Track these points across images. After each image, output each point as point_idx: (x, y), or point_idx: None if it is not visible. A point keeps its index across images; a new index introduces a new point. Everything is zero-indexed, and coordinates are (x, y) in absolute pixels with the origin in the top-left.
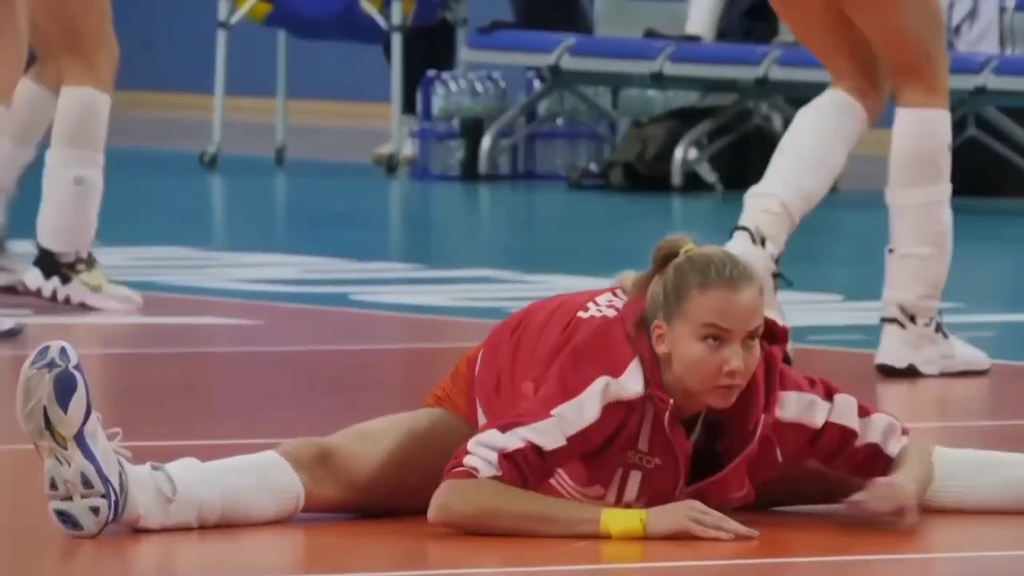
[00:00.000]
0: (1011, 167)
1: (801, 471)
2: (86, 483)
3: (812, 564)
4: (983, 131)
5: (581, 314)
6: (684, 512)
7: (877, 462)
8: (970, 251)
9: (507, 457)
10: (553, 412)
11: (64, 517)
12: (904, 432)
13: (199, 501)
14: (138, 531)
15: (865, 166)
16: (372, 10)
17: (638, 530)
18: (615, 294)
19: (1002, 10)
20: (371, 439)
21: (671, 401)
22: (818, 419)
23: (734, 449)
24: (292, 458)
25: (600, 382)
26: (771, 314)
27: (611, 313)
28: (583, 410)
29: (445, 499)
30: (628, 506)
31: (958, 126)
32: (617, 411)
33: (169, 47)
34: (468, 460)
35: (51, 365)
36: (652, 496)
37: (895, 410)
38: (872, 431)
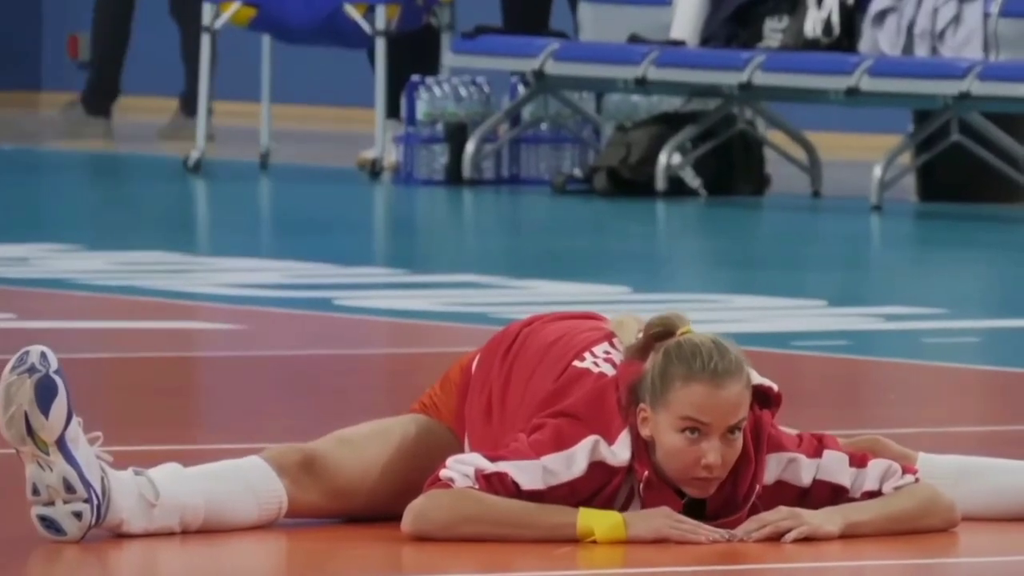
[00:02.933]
0: (995, 173)
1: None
2: (68, 488)
3: (795, 570)
4: (967, 137)
5: (577, 363)
6: (662, 519)
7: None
8: (954, 257)
9: (484, 476)
10: (541, 458)
11: (47, 522)
12: (908, 472)
13: (182, 505)
14: (121, 536)
15: (847, 172)
16: (356, 15)
17: (620, 528)
18: (612, 344)
19: (986, 16)
20: (355, 445)
21: (647, 473)
22: (803, 478)
23: (721, 512)
24: (275, 463)
25: (590, 440)
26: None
27: (607, 369)
28: (571, 464)
29: (422, 507)
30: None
31: (941, 132)
32: (602, 471)
33: (153, 52)
34: (444, 473)
35: (31, 370)
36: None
37: (880, 415)
38: (868, 480)
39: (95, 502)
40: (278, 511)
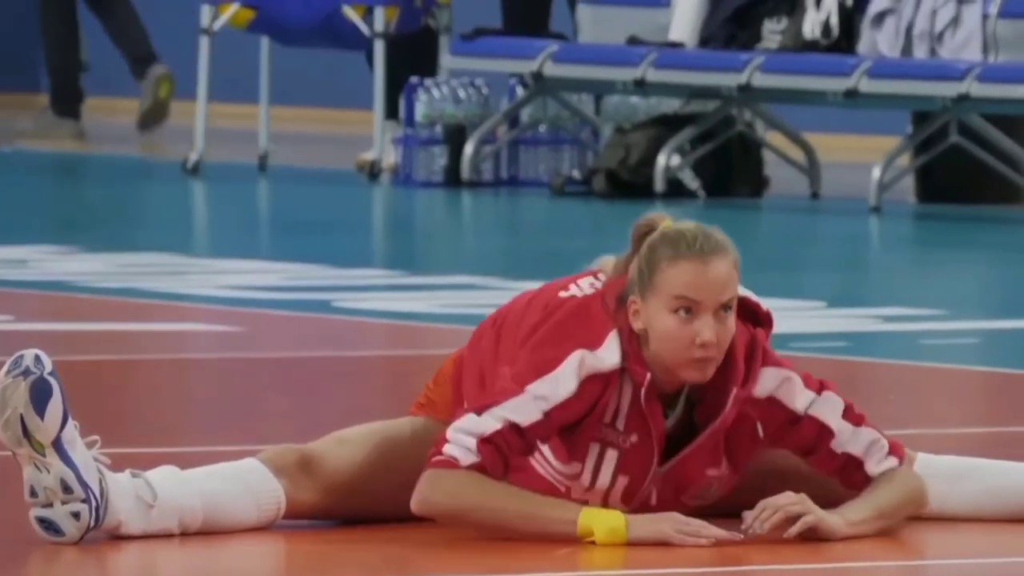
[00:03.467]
0: (994, 174)
1: (787, 474)
2: (66, 489)
3: (793, 571)
4: (966, 138)
5: (562, 294)
6: (666, 522)
7: (855, 475)
8: (953, 258)
9: (486, 441)
10: (527, 388)
11: (45, 524)
12: (894, 453)
13: (180, 507)
14: (119, 538)
15: (846, 174)
16: (355, 17)
17: (621, 529)
18: (596, 277)
19: (985, 17)
20: (352, 445)
21: (648, 375)
22: (797, 402)
23: (710, 419)
24: (272, 464)
25: (576, 356)
26: (753, 295)
27: (591, 292)
28: (558, 385)
29: (426, 492)
30: (605, 501)
31: (940, 133)
32: (595, 384)
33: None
34: (447, 449)
35: (26, 373)
36: (627, 476)
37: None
38: (855, 442)
39: (93, 503)
40: (276, 512)
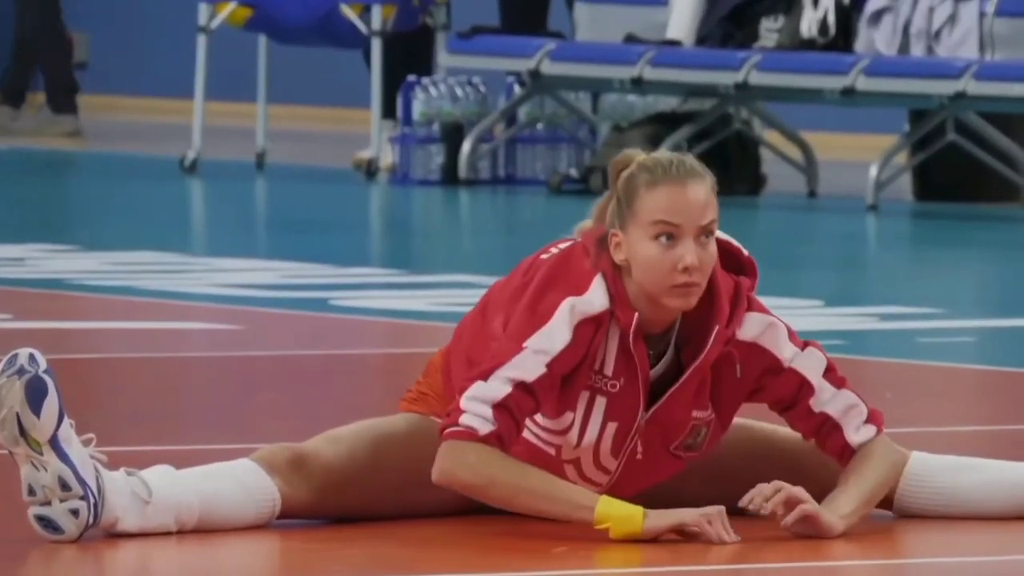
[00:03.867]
0: (991, 172)
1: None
2: (64, 486)
3: (789, 569)
4: (963, 136)
5: (543, 256)
6: (684, 512)
7: (833, 437)
8: (950, 257)
9: (500, 407)
10: (526, 344)
11: (44, 522)
12: (872, 420)
13: (177, 503)
14: (116, 535)
15: (843, 172)
16: (352, 15)
17: (637, 517)
18: (575, 240)
19: (982, 15)
20: (344, 443)
21: (635, 315)
22: (781, 350)
23: (694, 359)
24: (266, 463)
25: (565, 304)
26: (733, 241)
27: (571, 245)
28: (554, 336)
29: (448, 463)
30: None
31: (937, 131)
32: (587, 328)
33: (149, 52)
34: (464, 419)
35: (21, 372)
36: (615, 422)
37: None
38: (834, 403)
39: (91, 500)
40: (272, 510)
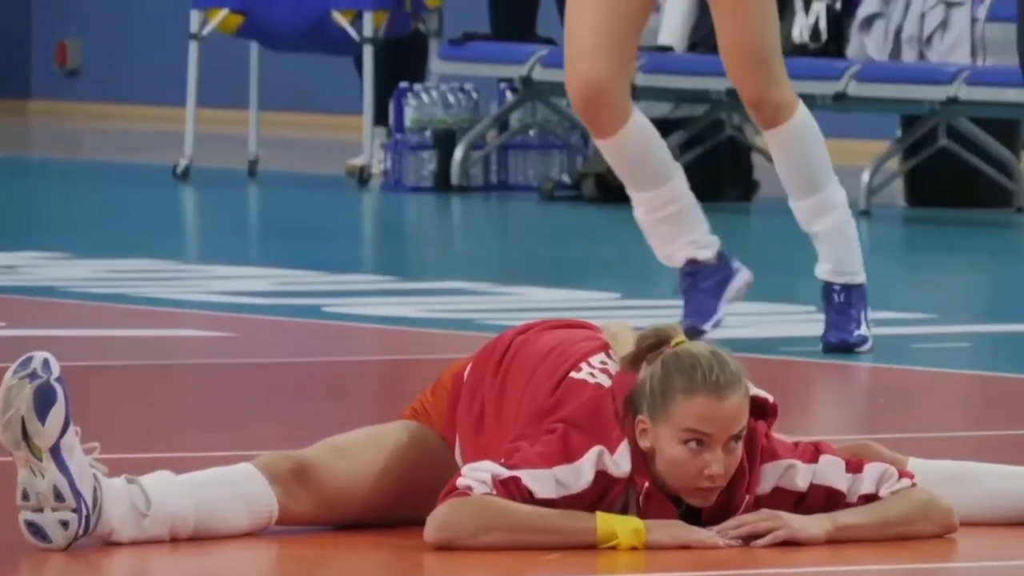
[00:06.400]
0: (983, 178)
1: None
2: (58, 496)
3: (792, 574)
4: (955, 142)
5: (574, 375)
6: (679, 527)
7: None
8: (942, 262)
9: (501, 482)
10: (552, 469)
11: (34, 529)
12: (904, 476)
13: (173, 515)
14: (110, 544)
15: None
16: (344, 22)
17: (642, 531)
18: (608, 355)
19: (973, 20)
20: (347, 453)
21: (647, 484)
22: (800, 483)
23: (717, 523)
24: (267, 471)
25: (596, 450)
26: (761, 392)
27: (604, 380)
28: (580, 476)
29: (444, 517)
30: None
31: (929, 137)
32: (603, 480)
33: (141, 59)
34: (461, 481)
35: (33, 376)
36: None
37: (870, 420)
38: (865, 484)
39: (83, 512)
40: (268, 519)
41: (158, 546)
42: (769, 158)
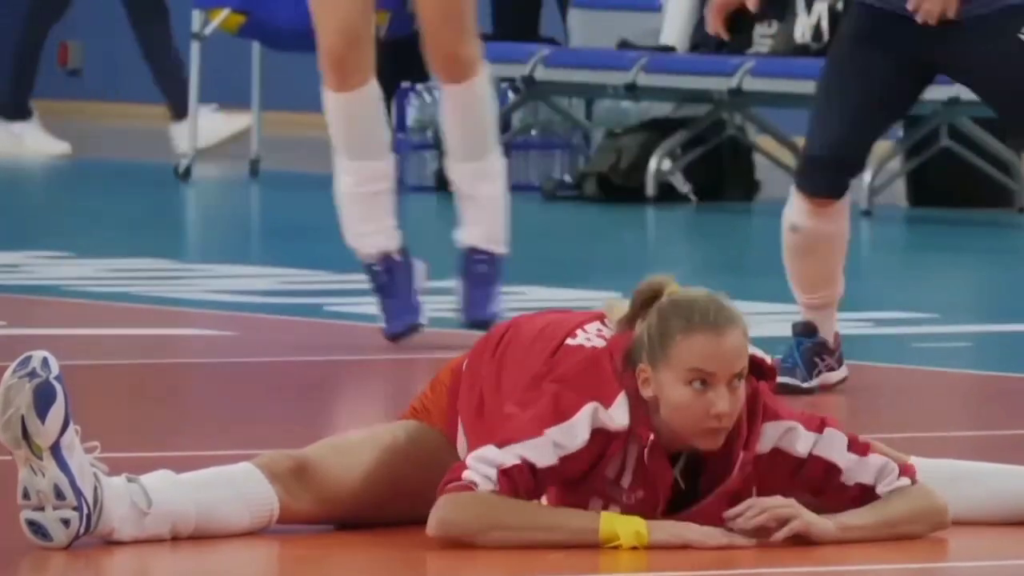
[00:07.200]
0: (985, 178)
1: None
2: (59, 495)
3: (785, 574)
4: (957, 142)
5: (569, 341)
6: (684, 527)
7: (865, 496)
8: (944, 262)
9: (505, 473)
10: (546, 432)
11: (35, 527)
12: (905, 474)
13: (173, 514)
14: (111, 543)
15: None
16: None
17: (644, 532)
18: (603, 323)
19: None
20: (347, 452)
21: (651, 436)
22: (799, 448)
23: (714, 485)
24: (268, 470)
25: (590, 407)
26: (759, 351)
27: (600, 343)
28: (575, 434)
29: (445, 513)
30: None
31: (931, 137)
32: (601, 438)
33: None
34: (467, 474)
35: (32, 375)
36: None
37: (871, 419)
38: (865, 471)
39: (84, 511)
40: (269, 518)
41: (159, 545)
42: (771, 158)
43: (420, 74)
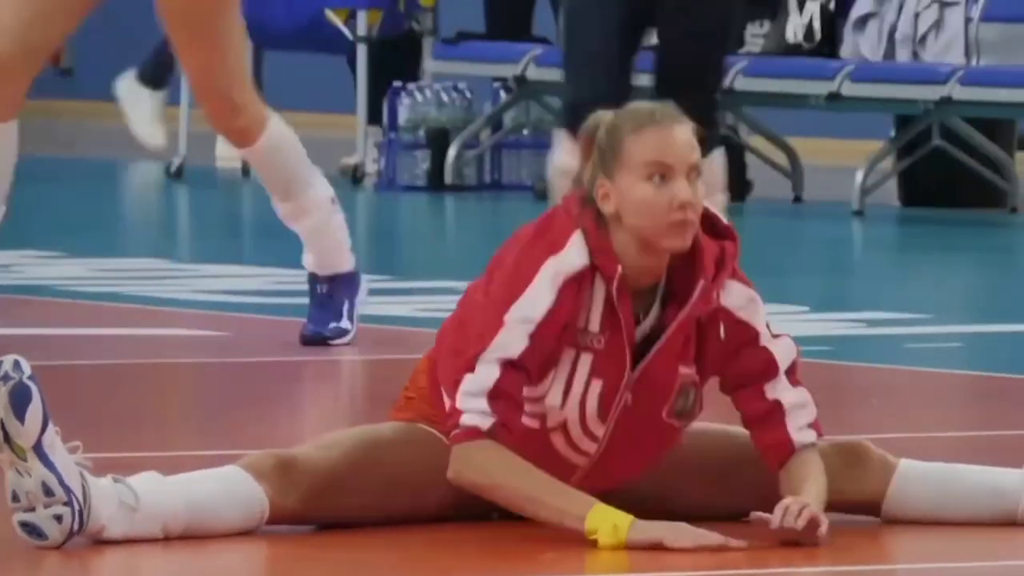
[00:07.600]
0: (976, 178)
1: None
2: (48, 492)
3: (797, 574)
4: (948, 142)
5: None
6: (665, 528)
7: (774, 428)
8: (936, 262)
9: (494, 395)
10: (506, 319)
11: (28, 528)
12: (815, 428)
13: (163, 511)
14: (102, 542)
15: (829, 177)
16: (338, 21)
17: (623, 528)
18: None
19: (967, 20)
20: (332, 449)
21: (619, 267)
22: (760, 325)
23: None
24: (253, 470)
25: (546, 267)
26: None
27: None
28: (535, 302)
29: (458, 465)
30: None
31: (923, 137)
32: (570, 288)
33: (134, 58)
34: (465, 419)
35: (5, 378)
36: (601, 379)
37: (863, 420)
38: (788, 395)
39: (75, 506)
40: (260, 517)
41: (150, 544)
42: (763, 158)
43: (412, 73)
